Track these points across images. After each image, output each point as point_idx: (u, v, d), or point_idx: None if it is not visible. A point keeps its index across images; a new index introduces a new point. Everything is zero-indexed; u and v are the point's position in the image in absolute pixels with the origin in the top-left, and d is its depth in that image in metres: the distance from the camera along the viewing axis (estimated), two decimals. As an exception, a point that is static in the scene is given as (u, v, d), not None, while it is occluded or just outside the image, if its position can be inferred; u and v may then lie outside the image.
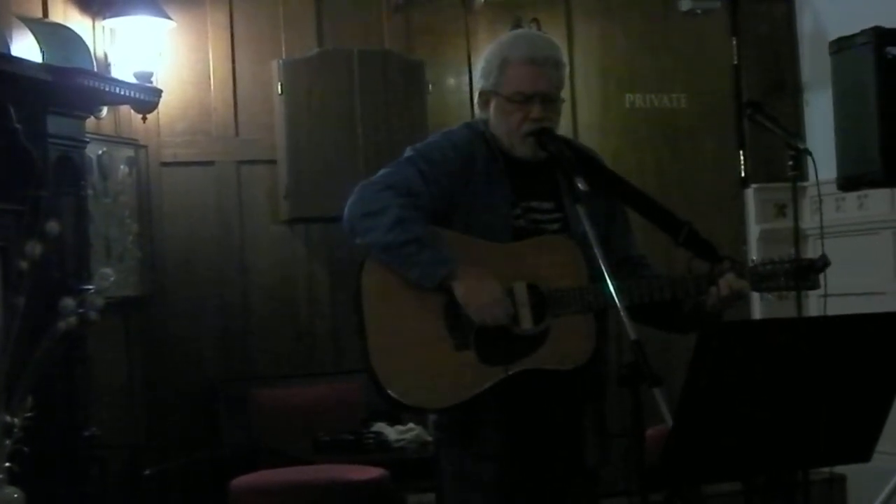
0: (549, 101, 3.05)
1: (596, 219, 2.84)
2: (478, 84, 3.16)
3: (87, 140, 4.55)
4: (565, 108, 6.35)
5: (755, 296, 6.38)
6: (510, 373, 2.91)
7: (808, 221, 5.54)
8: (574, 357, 2.93)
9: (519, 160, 3.06)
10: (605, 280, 2.67)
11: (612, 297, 2.65)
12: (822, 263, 3.00)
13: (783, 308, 5.80)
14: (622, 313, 2.58)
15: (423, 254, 2.91)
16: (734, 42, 6.59)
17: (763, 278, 3.01)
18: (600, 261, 2.70)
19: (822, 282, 3.02)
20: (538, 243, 3.02)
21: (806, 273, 3.00)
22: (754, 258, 3.11)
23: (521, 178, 3.07)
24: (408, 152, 3.09)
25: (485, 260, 2.97)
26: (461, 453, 3.06)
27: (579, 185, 2.86)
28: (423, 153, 3.06)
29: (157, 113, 5.31)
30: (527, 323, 2.95)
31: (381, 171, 3.06)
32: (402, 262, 2.93)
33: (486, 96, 3.12)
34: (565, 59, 3.12)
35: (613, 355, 3.10)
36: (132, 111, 5.21)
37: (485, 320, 2.91)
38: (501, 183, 3.05)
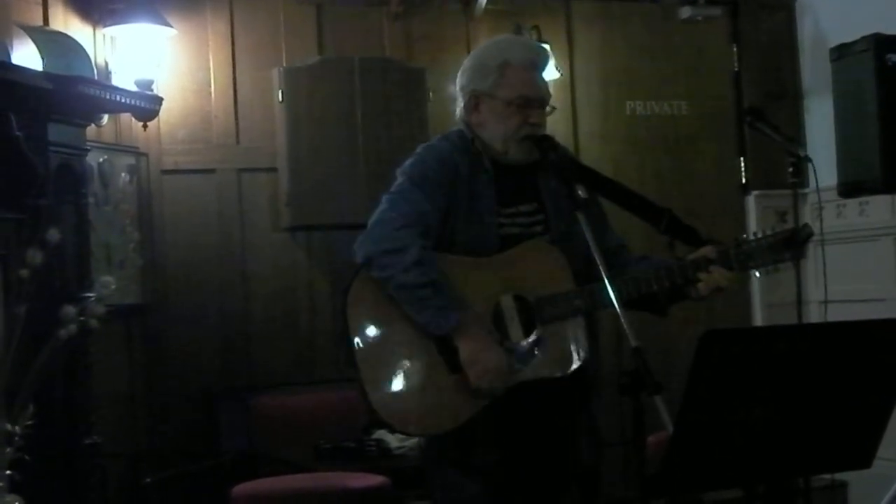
0: (542, 106, 3.08)
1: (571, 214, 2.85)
2: (466, 85, 3.14)
3: (88, 148, 4.54)
4: (566, 115, 6.38)
5: (756, 302, 6.39)
6: (508, 386, 2.91)
7: (809, 228, 5.53)
8: (568, 361, 2.94)
9: (506, 164, 3.07)
10: (605, 287, 2.67)
11: (612, 303, 2.66)
12: (807, 233, 2.98)
13: (784, 315, 5.80)
14: (622, 321, 2.58)
15: (435, 299, 2.91)
16: (734, 49, 6.60)
17: (748, 257, 2.99)
18: (601, 269, 2.70)
19: (808, 252, 2.99)
20: (521, 252, 3.03)
21: (789, 244, 2.97)
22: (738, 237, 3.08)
23: (506, 183, 3.07)
24: (400, 177, 3.08)
25: (469, 279, 2.98)
26: (450, 469, 3.07)
27: (580, 192, 2.86)
28: (417, 174, 3.06)
29: (158, 121, 5.30)
30: (517, 336, 2.96)
31: (388, 203, 3.04)
32: (413, 303, 2.93)
33: (477, 98, 3.10)
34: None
35: (614, 364, 3.10)
36: (133, 119, 5.21)
37: (482, 387, 2.91)
38: (486, 191, 3.05)
